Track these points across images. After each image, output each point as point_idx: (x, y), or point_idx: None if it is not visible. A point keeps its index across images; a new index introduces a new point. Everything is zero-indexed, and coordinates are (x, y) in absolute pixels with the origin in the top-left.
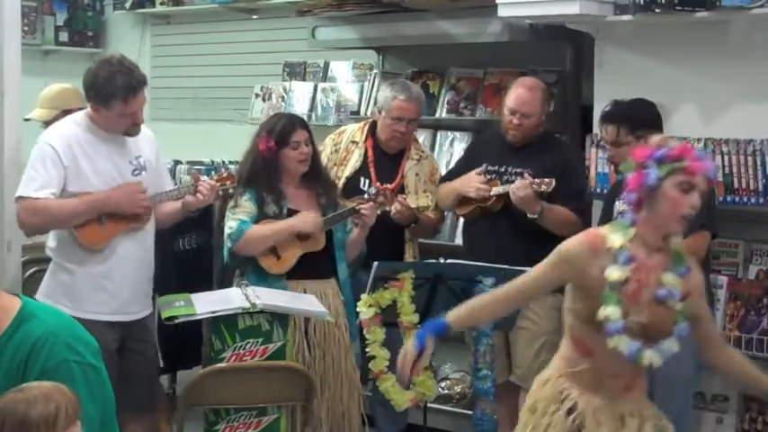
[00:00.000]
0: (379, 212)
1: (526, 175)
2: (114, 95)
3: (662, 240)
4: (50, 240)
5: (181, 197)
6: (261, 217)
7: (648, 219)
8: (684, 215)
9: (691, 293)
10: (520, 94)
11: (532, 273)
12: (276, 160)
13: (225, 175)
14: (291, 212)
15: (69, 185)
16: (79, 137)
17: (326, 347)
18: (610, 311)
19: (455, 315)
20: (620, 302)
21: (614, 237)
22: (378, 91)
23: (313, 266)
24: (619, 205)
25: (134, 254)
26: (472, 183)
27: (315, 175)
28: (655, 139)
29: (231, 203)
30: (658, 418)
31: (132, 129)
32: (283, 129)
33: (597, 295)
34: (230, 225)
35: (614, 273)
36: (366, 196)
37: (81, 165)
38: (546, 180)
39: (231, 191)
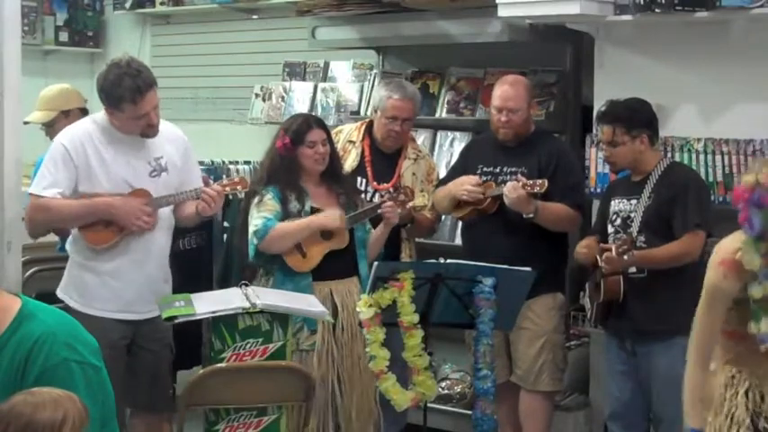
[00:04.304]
0: (400, 210)
1: (519, 175)
2: (123, 98)
3: None
4: (70, 236)
5: (183, 201)
6: (285, 215)
7: None
8: None
9: None
10: (504, 91)
11: (699, 326)
12: (294, 158)
13: (237, 179)
14: (314, 210)
15: (80, 185)
16: (94, 136)
17: (353, 346)
18: (762, 326)
19: (695, 417)
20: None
21: (749, 258)
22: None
23: (337, 266)
24: (614, 205)
25: (141, 256)
26: (464, 185)
27: (333, 175)
28: (746, 178)
29: (256, 200)
30: None
31: (148, 130)
32: (299, 127)
33: (742, 306)
34: (255, 223)
35: (758, 291)
36: (387, 195)
37: (92, 164)
38: (539, 181)
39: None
